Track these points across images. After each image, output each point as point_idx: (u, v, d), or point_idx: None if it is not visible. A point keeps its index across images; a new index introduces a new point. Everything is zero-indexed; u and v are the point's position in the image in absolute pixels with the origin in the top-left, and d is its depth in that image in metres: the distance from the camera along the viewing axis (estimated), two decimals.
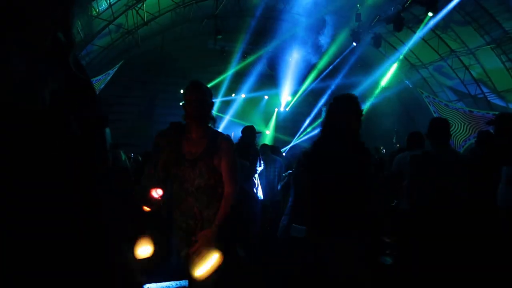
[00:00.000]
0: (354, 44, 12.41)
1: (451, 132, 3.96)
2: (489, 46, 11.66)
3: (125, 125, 13.44)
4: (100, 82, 10.19)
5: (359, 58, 14.58)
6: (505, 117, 3.32)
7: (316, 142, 2.50)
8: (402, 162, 3.80)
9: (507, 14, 10.65)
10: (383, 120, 14.14)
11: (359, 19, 11.63)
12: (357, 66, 14.81)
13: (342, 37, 13.26)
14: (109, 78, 10.53)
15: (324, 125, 2.50)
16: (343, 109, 2.40)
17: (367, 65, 14.98)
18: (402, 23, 10.46)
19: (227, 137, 2.40)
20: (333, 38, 13.28)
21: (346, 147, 2.35)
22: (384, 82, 14.49)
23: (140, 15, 11.74)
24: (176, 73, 14.02)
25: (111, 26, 11.21)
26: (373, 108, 14.69)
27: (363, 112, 2.44)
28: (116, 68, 10.81)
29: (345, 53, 13.94)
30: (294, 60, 14.62)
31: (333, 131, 2.41)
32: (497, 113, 9.27)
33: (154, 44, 14.43)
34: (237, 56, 14.93)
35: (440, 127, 3.12)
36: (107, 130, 0.86)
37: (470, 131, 8.95)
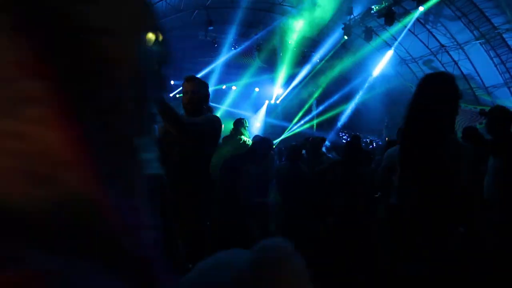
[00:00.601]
0: (346, 37, 12.40)
1: None
2: (478, 42, 11.76)
3: None
4: None
5: (350, 50, 14.59)
6: (498, 109, 3.33)
7: (405, 139, 2.03)
8: (394, 155, 3.79)
9: (496, 10, 10.74)
10: (372, 114, 14.24)
11: (350, 12, 11.60)
12: (348, 58, 14.83)
13: (333, 28, 13.24)
14: None
15: (413, 114, 1.96)
16: (441, 95, 1.88)
17: (357, 57, 15.00)
18: (393, 17, 10.45)
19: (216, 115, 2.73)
20: (325, 26, 13.24)
21: (444, 144, 1.89)
22: (376, 73, 14.52)
23: None
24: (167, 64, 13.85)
25: None
26: (363, 101, 14.78)
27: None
28: None
29: (338, 46, 13.93)
30: (285, 51, 14.58)
31: (428, 124, 1.89)
32: (484, 108, 9.40)
33: None
34: (228, 47, 14.81)
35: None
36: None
37: (458, 126, 9.07)
